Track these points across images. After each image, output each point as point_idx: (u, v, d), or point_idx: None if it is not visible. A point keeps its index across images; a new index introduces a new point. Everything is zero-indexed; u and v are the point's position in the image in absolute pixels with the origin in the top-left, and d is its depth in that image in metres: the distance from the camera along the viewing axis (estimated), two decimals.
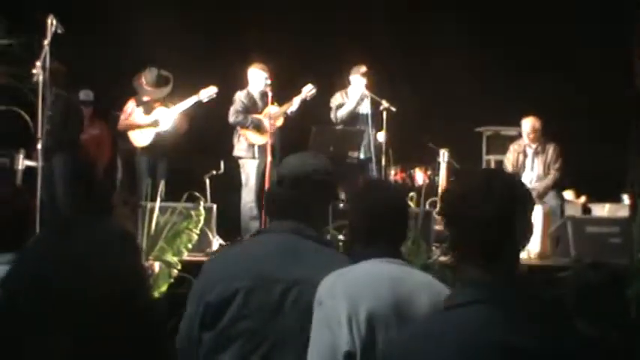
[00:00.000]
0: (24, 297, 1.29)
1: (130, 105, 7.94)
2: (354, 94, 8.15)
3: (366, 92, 8.06)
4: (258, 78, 7.88)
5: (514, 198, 1.79)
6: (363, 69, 8.15)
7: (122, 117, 7.96)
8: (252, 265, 2.50)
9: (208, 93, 7.68)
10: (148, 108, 7.87)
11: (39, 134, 6.72)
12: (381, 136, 8.08)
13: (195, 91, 7.72)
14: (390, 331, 2.25)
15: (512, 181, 1.87)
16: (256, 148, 7.86)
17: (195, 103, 7.72)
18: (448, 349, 1.68)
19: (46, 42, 6.71)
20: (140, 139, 7.89)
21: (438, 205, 1.91)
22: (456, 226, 1.80)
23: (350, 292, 2.33)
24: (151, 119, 7.82)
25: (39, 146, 6.73)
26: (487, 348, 1.67)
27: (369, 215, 2.58)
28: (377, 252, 2.50)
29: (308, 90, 7.89)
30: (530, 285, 1.81)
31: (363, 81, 8.09)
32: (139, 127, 7.85)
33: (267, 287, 2.43)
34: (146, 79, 7.84)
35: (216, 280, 2.51)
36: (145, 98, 7.90)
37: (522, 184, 1.90)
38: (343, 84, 8.28)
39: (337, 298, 2.32)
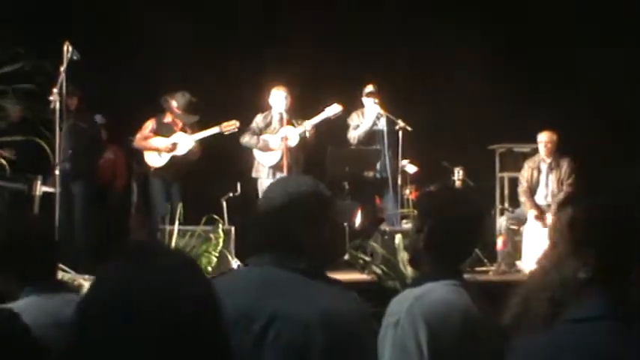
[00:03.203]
0: (105, 325, 1.31)
1: (150, 124, 7.91)
2: (370, 114, 8.16)
3: (382, 112, 8.08)
4: (278, 99, 7.88)
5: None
6: (369, 88, 8.16)
7: (139, 135, 7.93)
8: (229, 302, 2.27)
9: (230, 127, 7.68)
10: (168, 131, 7.87)
11: (56, 161, 6.76)
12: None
13: (214, 119, 7.71)
14: None
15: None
16: (268, 169, 7.87)
17: (214, 134, 7.72)
18: None
19: (62, 68, 6.76)
20: (155, 160, 7.87)
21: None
22: (597, 246, 1.87)
23: (428, 318, 2.33)
24: (169, 142, 7.81)
25: (57, 172, 6.77)
26: None
27: (437, 227, 2.52)
28: (442, 271, 2.48)
29: (334, 110, 7.87)
30: None
31: (371, 100, 8.11)
32: (156, 148, 7.83)
33: (245, 325, 2.20)
34: (177, 102, 7.81)
35: None
36: (167, 120, 7.91)
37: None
38: (359, 104, 8.30)
39: (417, 324, 2.32)
